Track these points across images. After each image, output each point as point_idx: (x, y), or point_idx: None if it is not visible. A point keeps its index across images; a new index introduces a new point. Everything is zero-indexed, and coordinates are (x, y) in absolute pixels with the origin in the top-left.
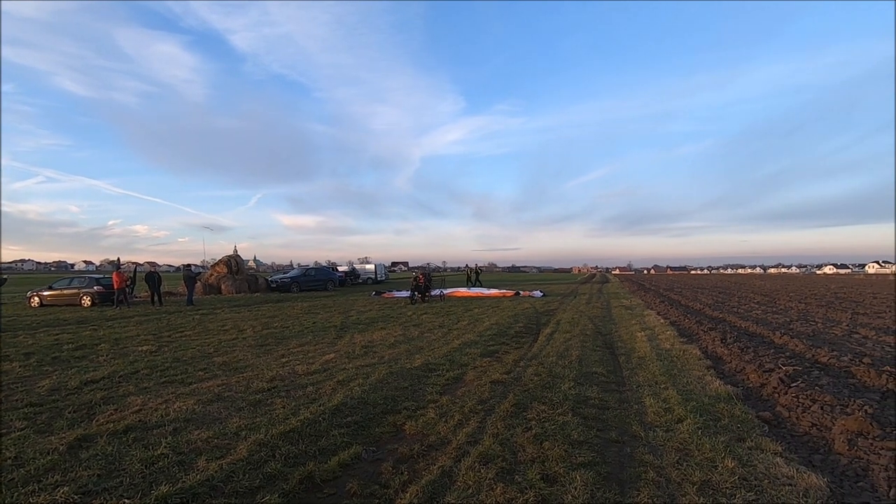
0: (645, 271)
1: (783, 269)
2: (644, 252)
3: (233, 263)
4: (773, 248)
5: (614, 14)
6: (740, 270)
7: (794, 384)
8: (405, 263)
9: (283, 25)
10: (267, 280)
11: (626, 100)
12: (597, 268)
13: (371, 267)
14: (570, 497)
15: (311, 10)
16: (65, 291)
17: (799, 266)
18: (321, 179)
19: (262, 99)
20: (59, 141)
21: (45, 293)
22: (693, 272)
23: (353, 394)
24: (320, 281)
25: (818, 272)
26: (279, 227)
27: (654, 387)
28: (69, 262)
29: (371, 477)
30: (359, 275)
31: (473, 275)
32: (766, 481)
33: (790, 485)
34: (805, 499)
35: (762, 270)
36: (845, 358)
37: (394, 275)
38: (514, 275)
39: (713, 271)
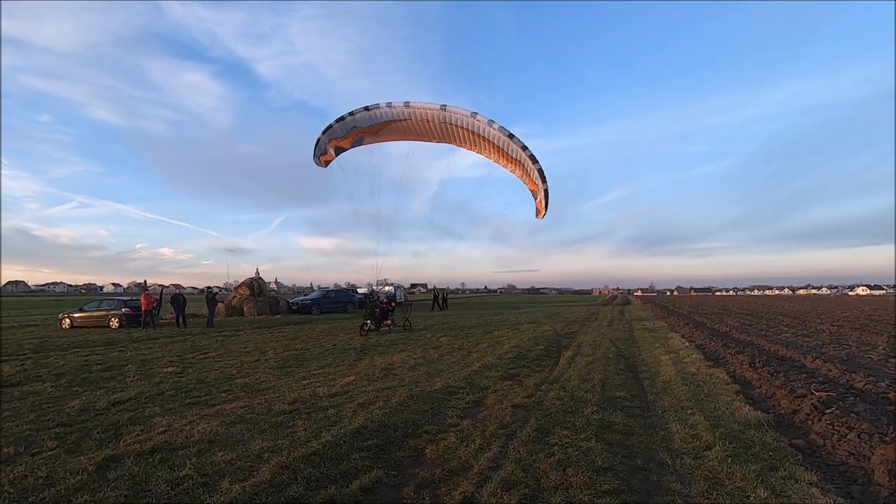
0: (668, 293)
1: (813, 290)
2: (666, 273)
3: (255, 286)
4: (802, 269)
5: (632, 36)
6: (767, 291)
7: (829, 411)
8: (424, 285)
9: (305, 54)
10: (288, 302)
11: (644, 121)
12: (618, 289)
13: (390, 289)
14: None
15: (332, 39)
16: (94, 313)
17: (830, 287)
18: (339, 203)
19: (284, 125)
20: (90, 168)
21: (76, 315)
22: (718, 293)
23: (374, 417)
24: (340, 303)
25: (850, 293)
26: (299, 250)
27: (681, 412)
28: (98, 284)
29: (393, 502)
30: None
31: (440, 296)
32: None
33: None
34: None
35: (791, 291)
36: (882, 384)
37: (413, 297)
38: (533, 296)
39: (739, 292)
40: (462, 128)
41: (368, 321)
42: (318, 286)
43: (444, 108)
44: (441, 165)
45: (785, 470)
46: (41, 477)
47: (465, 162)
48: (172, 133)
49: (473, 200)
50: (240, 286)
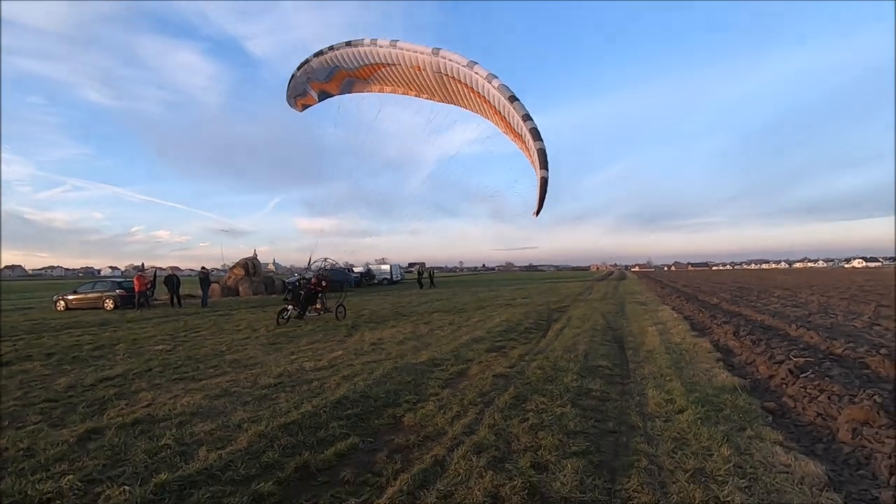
0: (665, 268)
1: (809, 264)
2: (664, 248)
3: (250, 266)
4: (799, 242)
5: (632, 6)
6: (764, 265)
7: (804, 375)
8: (422, 264)
9: (297, 31)
10: (283, 282)
11: (644, 95)
12: (615, 265)
13: (387, 267)
14: (559, 484)
15: (326, 17)
16: (89, 295)
17: (826, 260)
18: (336, 182)
19: (277, 104)
20: (83, 150)
21: (70, 297)
22: (715, 268)
23: (356, 388)
24: (335, 282)
25: (846, 266)
26: (296, 231)
27: (659, 379)
28: (96, 267)
29: (365, 466)
30: (374, 275)
31: (426, 274)
32: (762, 469)
33: (786, 472)
34: (800, 486)
35: (787, 265)
36: (861, 349)
37: (410, 275)
38: (529, 273)
39: (736, 267)
40: (459, 81)
41: (290, 306)
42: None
43: (436, 52)
44: (440, 141)
45: (752, 430)
46: (22, 448)
47: (462, 138)
48: (165, 114)
49: (471, 177)
50: (235, 267)
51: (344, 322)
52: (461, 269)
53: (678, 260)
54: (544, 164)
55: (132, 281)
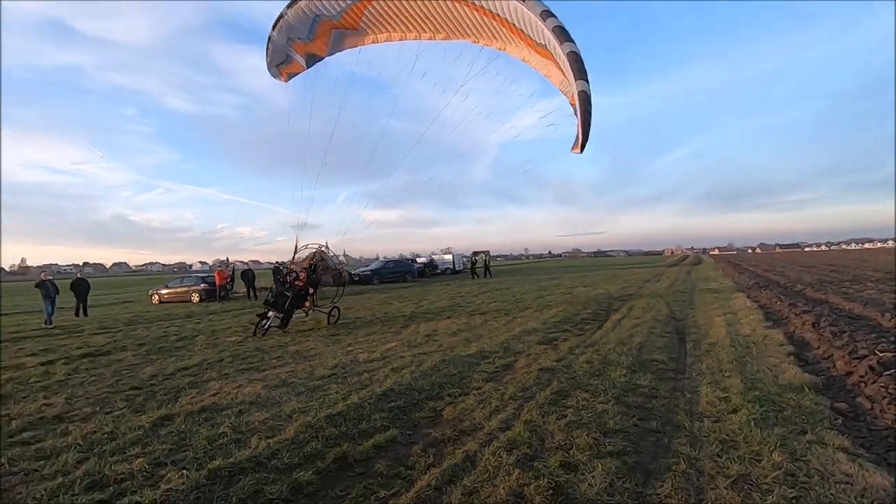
0: (749, 250)
1: None
2: (747, 229)
3: (318, 258)
4: None
5: None
6: (867, 245)
7: (888, 372)
8: (486, 252)
9: None
10: (349, 273)
11: (718, 65)
12: (692, 249)
13: (449, 257)
14: (587, 485)
15: None
16: (178, 289)
17: None
18: (400, 174)
19: (342, 100)
20: (172, 155)
21: (163, 291)
22: (807, 249)
23: (403, 380)
24: (399, 272)
25: None
26: (364, 223)
27: (717, 375)
28: (188, 262)
29: (400, 459)
30: (437, 265)
31: (480, 263)
32: (817, 478)
33: (846, 483)
34: (860, 499)
35: None
36: None
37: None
38: (595, 260)
39: (832, 247)
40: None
41: (271, 312)
42: (384, 257)
43: None
44: (502, 129)
45: (813, 434)
46: (106, 432)
47: (525, 122)
48: (240, 116)
49: (535, 163)
50: (303, 260)
51: (333, 324)
52: (527, 257)
53: (764, 241)
54: (580, 73)
55: (214, 275)
